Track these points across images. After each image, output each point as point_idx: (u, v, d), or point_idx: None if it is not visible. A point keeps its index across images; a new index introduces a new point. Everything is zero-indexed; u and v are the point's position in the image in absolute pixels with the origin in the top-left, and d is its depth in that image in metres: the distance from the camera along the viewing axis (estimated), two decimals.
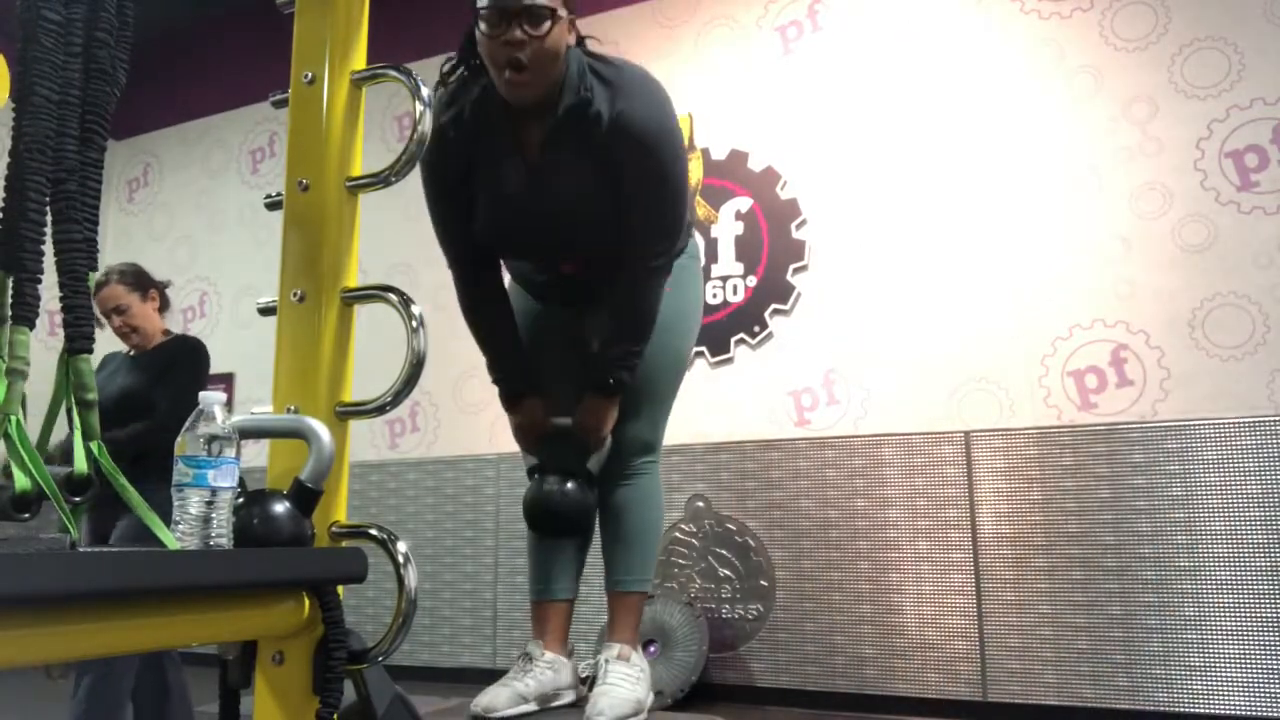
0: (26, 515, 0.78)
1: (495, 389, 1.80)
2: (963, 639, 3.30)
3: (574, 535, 1.77)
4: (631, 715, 1.59)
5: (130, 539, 2.40)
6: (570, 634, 1.83)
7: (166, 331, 2.80)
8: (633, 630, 1.75)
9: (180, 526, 0.87)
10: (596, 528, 1.83)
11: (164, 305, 2.83)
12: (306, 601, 0.99)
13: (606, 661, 1.67)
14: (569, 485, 1.65)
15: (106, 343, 5.69)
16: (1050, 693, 3.15)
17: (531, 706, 1.64)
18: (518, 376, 1.74)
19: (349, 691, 1.04)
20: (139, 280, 2.77)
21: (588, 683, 1.70)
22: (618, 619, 1.75)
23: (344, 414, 1.11)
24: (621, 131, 1.59)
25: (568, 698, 1.74)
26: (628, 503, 1.76)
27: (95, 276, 0.88)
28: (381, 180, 1.14)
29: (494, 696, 1.60)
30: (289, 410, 1.09)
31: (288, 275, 1.14)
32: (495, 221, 1.69)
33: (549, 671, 1.69)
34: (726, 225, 4.03)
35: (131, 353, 2.76)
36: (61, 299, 0.85)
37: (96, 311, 2.79)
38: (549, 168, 1.64)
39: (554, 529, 1.72)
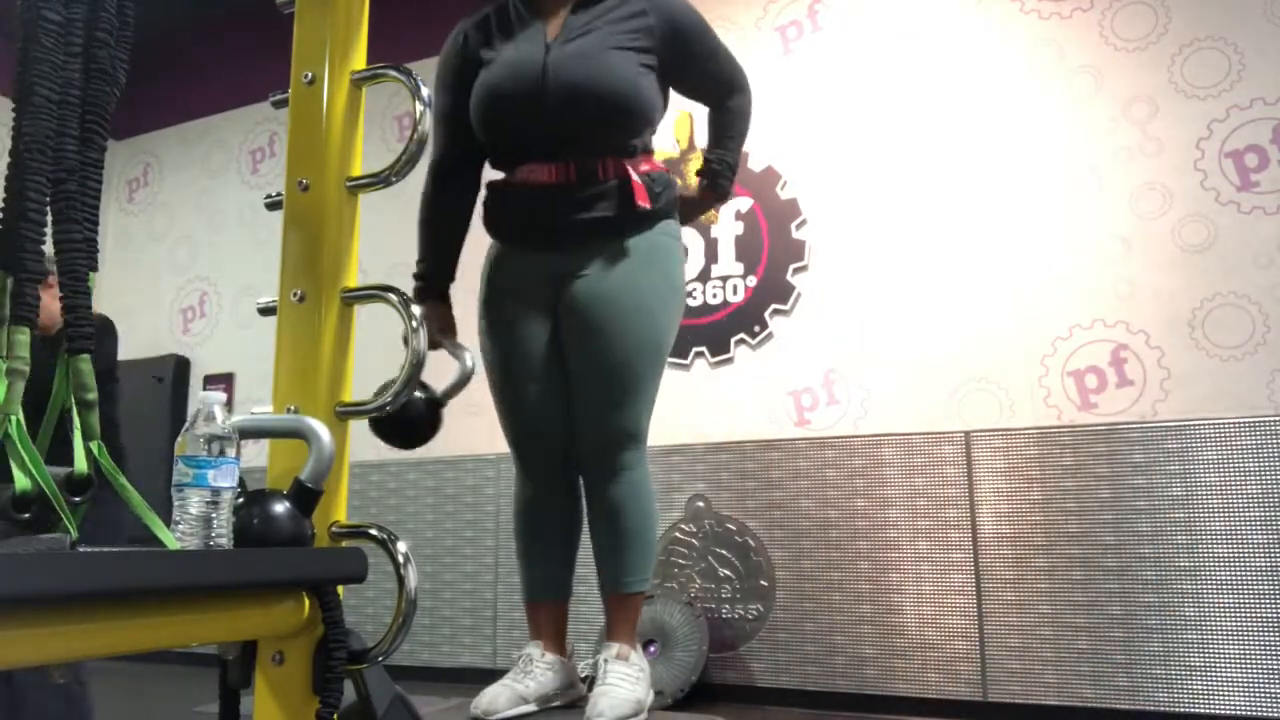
0: (26, 515, 0.78)
1: (493, 392, 1.80)
2: (963, 639, 3.30)
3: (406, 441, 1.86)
4: (632, 715, 1.59)
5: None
6: (570, 634, 1.83)
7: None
8: (631, 630, 1.75)
9: (180, 526, 0.87)
10: (585, 527, 1.82)
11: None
12: (306, 601, 0.99)
13: (605, 662, 1.67)
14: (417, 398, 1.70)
15: None
16: (1050, 693, 3.15)
17: (531, 707, 1.65)
18: (441, 280, 1.88)
19: (349, 691, 1.04)
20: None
21: (588, 683, 1.70)
22: (616, 620, 1.75)
23: (344, 414, 1.11)
24: (666, 18, 1.77)
25: (568, 698, 1.74)
26: (620, 502, 1.72)
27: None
28: (381, 180, 1.14)
29: (494, 697, 1.60)
30: (289, 410, 1.10)
31: (288, 275, 1.14)
32: (496, 90, 1.71)
33: (549, 673, 1.70)
34: (726, 225, 4.03)
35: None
36: (62, 299, 0.85)
37: None
38: (568, 40, 1.70)
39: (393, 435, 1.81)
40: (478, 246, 1.93)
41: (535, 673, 1.68)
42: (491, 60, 1.75)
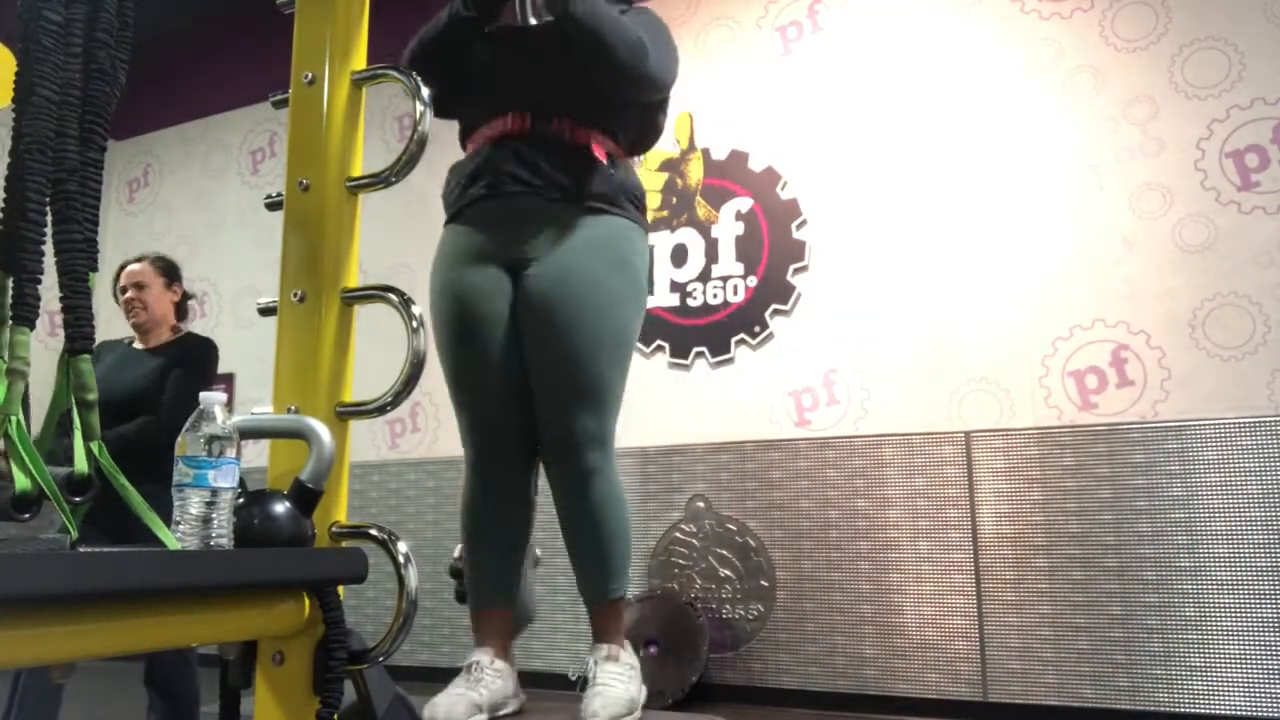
0: (26, 515, 0.78)
1: (448, 383, 1.77)
2: (963, 639, 3.30)
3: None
4: (625, 714, 1.59)
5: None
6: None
7: (175, 329, 2.81)
8: (618, 631, 1.73)
9: (180, 526, 0.87)
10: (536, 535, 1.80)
11: (182, 306, 2.86)
12: (307, 601, 0.99)
13: (596, 663, 1.66)
14: None
15: (104, 334, 5.67)
16: (1050, 693, 3.16)
17: (484, 716, 1.63)
18: None
19: (349, 691, 1.04)
20: (169, 270, 2.80)
21: (579, 684, 1.69)
22: (602, 625, 1.71)
23: (344, 414, 1.11)
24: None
25: (513, 706, 1.72)
26: (594, 509, 1.68)
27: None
28: (381, 180, 1.14)
29: (451, 706, 1.57)
30: (289, 410, 1.09)
31: (288, 275, 1.14)
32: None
33: (498, 680, 1.67)
34: (727, 225, 4.03)
35: (136, 344, 2.76)
36: (61, 299, 0.85)
37: (111, 289, 2.77)
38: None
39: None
40: (431, 232, 1.89)
41: (486, 680, 1.65)
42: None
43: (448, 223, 1.80)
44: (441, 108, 1.77)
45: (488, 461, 1.76)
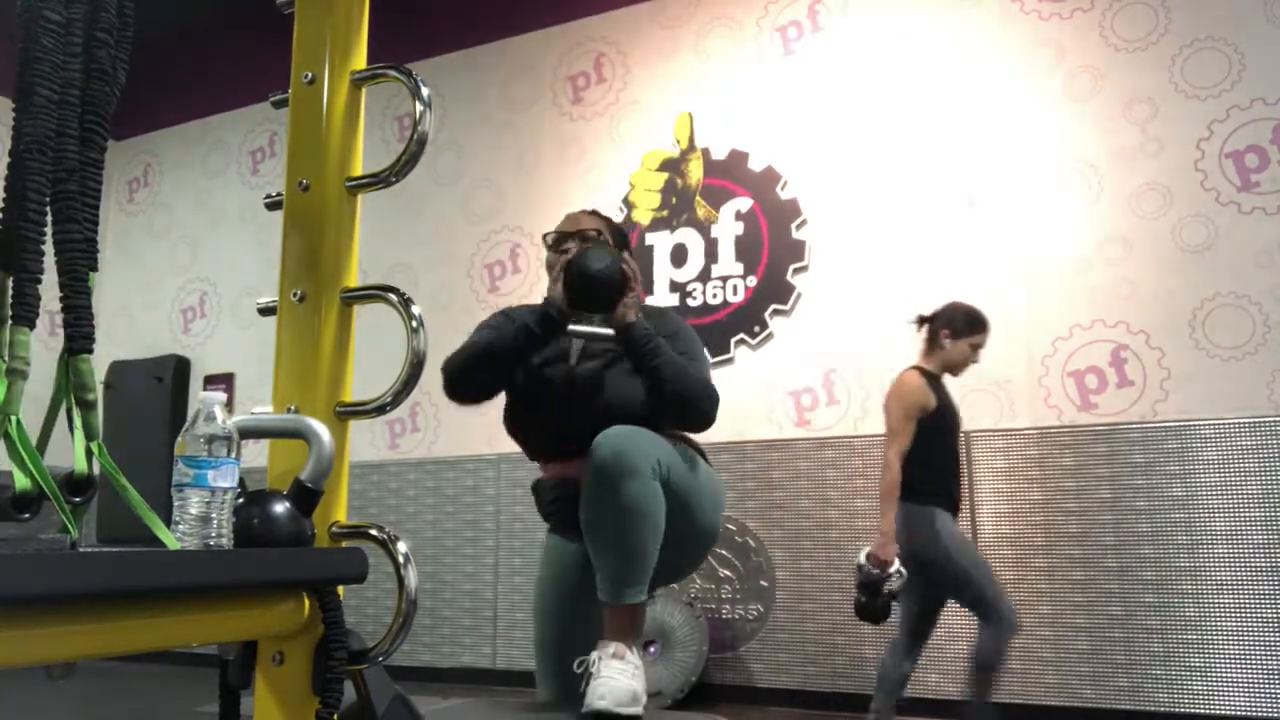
0: (26, 515, 0.78)
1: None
2: (963, 639, 3.30)
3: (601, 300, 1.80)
4: (630, 704, 1.59)
5: None
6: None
7: None
8: (627, 634, 1.73)
9: (180, 526, 0.87)
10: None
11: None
12: (306, 601, 0.99)
13: (600, 659, 1.67)
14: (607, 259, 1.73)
15: (108, 343, 5.67)
16: (1050, 693, 3.15)
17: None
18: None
19: (349, 691, 1.04)
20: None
21: (583, 679, 1.69)
22: (615, 626, 1.73)
23: (344, 414, 1.10)
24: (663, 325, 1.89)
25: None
26: (609, 513, 1.71)
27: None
28: (381, 180, 1.13)
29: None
30: (289, 410, 1.09)
31: (288, 275, 1.14)
32: (531, 378, 1.86)
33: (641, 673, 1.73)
34: (726, 225, 4.03)
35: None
36: (62, 299, 0.85)
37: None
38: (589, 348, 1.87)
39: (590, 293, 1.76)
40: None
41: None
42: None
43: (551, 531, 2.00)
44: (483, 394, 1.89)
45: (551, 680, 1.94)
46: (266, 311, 1.16)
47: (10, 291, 0.81)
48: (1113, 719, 3.05)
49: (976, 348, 2.84)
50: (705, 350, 2.02)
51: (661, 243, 4.13)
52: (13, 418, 0.79)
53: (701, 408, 1.86)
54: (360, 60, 1.19)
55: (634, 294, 1.78)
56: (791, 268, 3.88)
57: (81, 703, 3.62)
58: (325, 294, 1.11)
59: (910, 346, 3.64)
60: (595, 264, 1.72)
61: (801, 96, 4.00)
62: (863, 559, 2.63)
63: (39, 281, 0.82)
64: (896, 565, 2.58)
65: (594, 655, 1.69)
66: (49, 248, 0.84)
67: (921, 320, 2.92)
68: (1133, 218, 3.39)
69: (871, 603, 2.62)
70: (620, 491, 1.68)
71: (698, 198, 4.11)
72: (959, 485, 2.77)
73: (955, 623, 3.31)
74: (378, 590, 4.10)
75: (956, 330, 2.81)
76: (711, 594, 3.69)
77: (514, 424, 1.94)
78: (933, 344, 2.87)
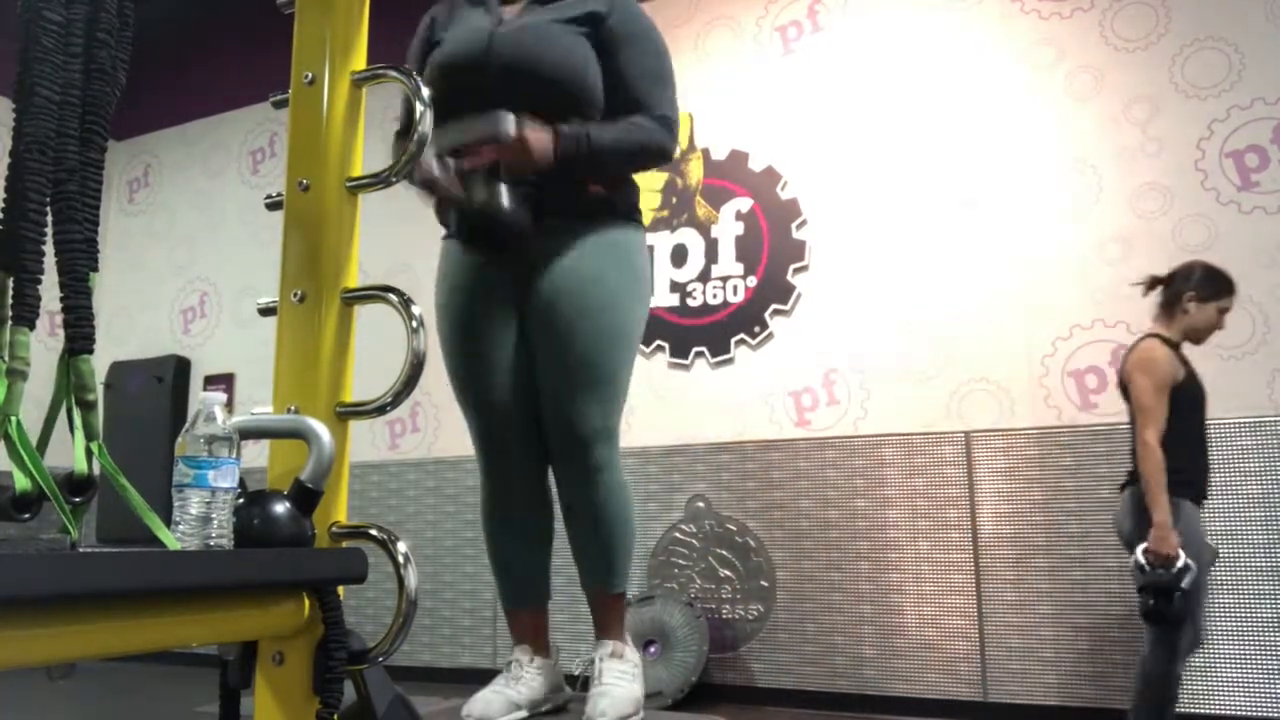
0: (26, 515, 0.78)
1: (459, 395, 1.78)
2: (963, 639, 3.30)
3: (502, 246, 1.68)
4: (632, 714, 1.59)
5: None
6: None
7: None
8: (621, 626, 1.73)
9: (180, 526, 0.87)
10: (559, 527, 1.80)
11: None
12: (306, 602, 0.99)
13: (601, 660, 1.67)
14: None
15: (107, 343, 5.67)
16: (1050, 693, 3.15)
17: (523, 713, 1.65)
18: None
19: (349, 692, 1.04)
20: None
21: (580, 681, 1.69)
22: (605, 619, 1.73)
23: (344, 414, 1.10)
24: (623, 14, 1.69)
25: (556, 701, 1.74)
26: (600, 506, 1.69)
27: None
28: (381, 180, 1.13)
29: (488, 704, 1.60)
30: (289, 410, 1.09)
31: (288, 275, 1.14)
32: (439, 64, 1.69)
33: (538, 677, 1.70)
34: (727, 225, 4.03)
35: None
36: (62, 299, 0.85)
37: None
38: (524, 17, 1.68)
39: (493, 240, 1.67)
40: (430, 242, 1.89)
41: (525, 678, 1.68)
42: (443, 39, 1.74)
43: (447, 237, 1.81)
44: None
45: (500, 461, 1.76)
46: (266, 312, 1.16)
47: (10, 291, 0.81)
48: (1113, 719, 3.05)
49: (1224, 312, 2.56)
50: (663, 54, 1.75)
51: (661, 243, 4.13)
52: (13, 418, 0.79)
53: (658, 158, 1.73)
54: (360, 60, 1.19)
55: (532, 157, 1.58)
56: (791, 268, 3.88)
57: (81, 703, 3.62)
58: (325, 294, 1.11)
59: (910, 346, 3.66)
60: (505, 208, 1.58)
61: (801, 96, 4.00)
62: (1141, 559, 2.38)
63: (39, 281, 0.82)
64: (1183, 559, 2.32)
65: (595, 656, 1.68)
66: (49, 248, 0.84)
67: (1155, 282, 2.64)
68: (1133, 218, 3.39)
69: (1166, 606, 2.34)
70: (594, 488, 1.69)
71: (698, 198, 4.11)
72: (1208, 469, 2.51)
73: (956, 623, 3.31)
74: (378, 590, 4.10)
75: (1203, 294, 2.53)
76: (711, 594, 3.69)
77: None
78: (1173, 308, 2.58)
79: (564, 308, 1.65)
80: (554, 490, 1.80)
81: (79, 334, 0.85)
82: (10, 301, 0.81)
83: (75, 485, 0.82)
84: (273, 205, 1.20)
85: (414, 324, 1.09)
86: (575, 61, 1.65)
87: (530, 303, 1.69)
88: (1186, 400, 2.48)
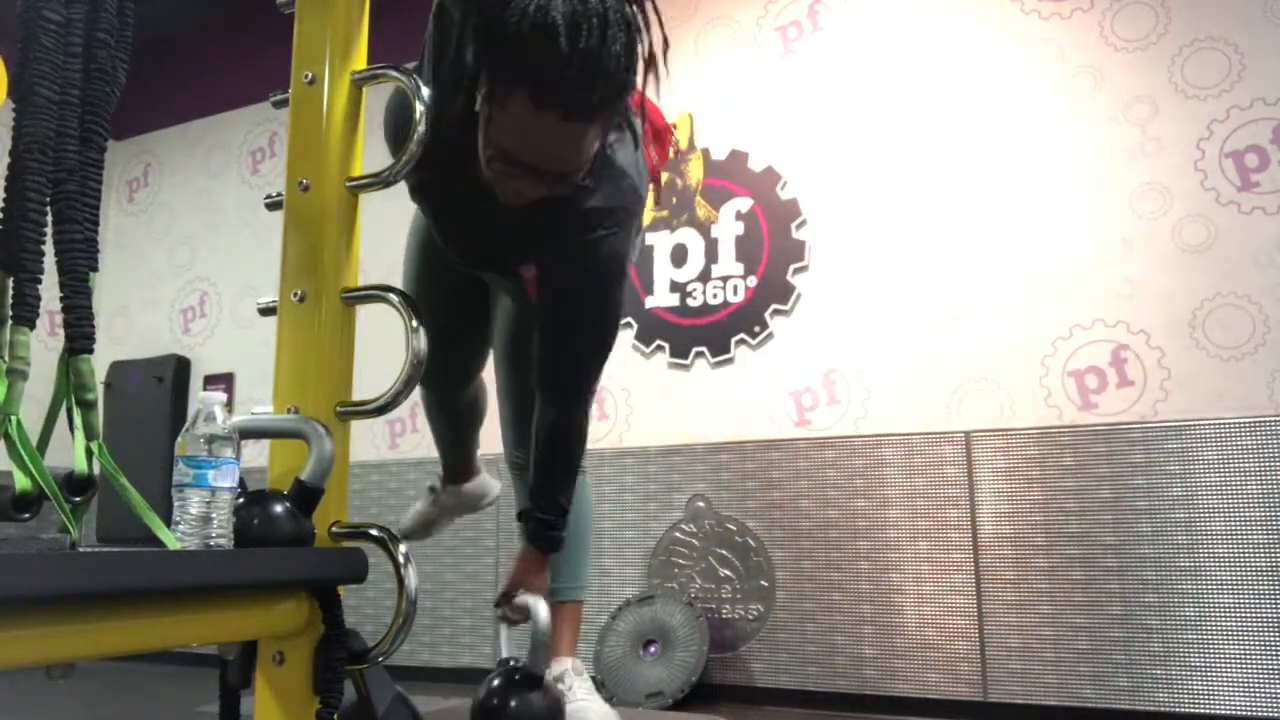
0: (26, 515, 0.78)
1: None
2: (963, 639, 3.30)
3: None
4: None
5: None
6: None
7: None
8: (575, 642, 1.71)
9: (180, 526, 0.87)
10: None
11: None
12: (307, 601, 0.99)
13: (570, 674, 1.65)
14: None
15: (107, 343, 5.68)
16: (1051, 693, 3.15)
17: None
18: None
19: (349, 691, 1.04)
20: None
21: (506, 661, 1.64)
22: (561, 632, 1.68)
23: (344, 414, 1.11)
24: (587, 242, 1.43)
25: (489, 498, 2.16)
26: (579, 504, 1.68)
27: None
28: (381, 180, 1.14)
29: (404, 519, 2.04)
30: (289, 410, 1.09)
31: (288, 275, 1.14)
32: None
33: (453, 499, 2.07)
34: (726, 225, 4.03)
35: None
36: (62, 299, 0.85)
37: None
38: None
39: None
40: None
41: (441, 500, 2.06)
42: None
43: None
44: None
45: (440, 384, 1.97)
46: (267, 311, 1.16)
47: (10, 291, 0.81)
48: (1113, 719, 3.05)
49: None
50: (613, 308, 1.54)
51: (661, 243, 4.13)
52: (13, 418, 0.79)
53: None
54: (360, 60, 1.19)
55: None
56: (791, 268, 3.88)
57: (81, 703, 3.62)
58: (325, 294, 1.11)
59: (910, 346, 3.65)
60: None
61: (801, 96, 4.00)
62: None
63: (39, 281, 0.82)
64: None
65: (563, 672, 1.66)
66: (49, 248, 0.84)
67: None
68: (1133, 218, 3.39)
69: None
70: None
71: (698, 198, 4.11)
72: None
73: (956, 623, 3.31)
74: (378, 590, 4.10)
75: None
76: (711, 594, 3.69)
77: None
78: None
79: (555, 302, 1.59)
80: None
81: (79, 334, 0.85)
82: (10, 301, 0.81)
83: (75, 485, 0.82)
84: (273, 205, 1.21)
85: (414, 324, 1.09)
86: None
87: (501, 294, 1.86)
88: None
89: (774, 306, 3.89)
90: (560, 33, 1.10)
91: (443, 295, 1.82)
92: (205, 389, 5.00)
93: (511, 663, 1.46)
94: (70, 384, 0.85)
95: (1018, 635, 3.23)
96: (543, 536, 1.55)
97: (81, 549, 0.80)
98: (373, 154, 1.15)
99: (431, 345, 1.66)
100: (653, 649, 3.47)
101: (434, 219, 1.58)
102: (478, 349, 1.91)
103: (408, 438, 4.55)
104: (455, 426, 2.04)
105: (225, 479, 0.89)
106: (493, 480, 2.25)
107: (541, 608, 1.36)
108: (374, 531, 1.07)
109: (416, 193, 1.60)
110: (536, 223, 1.39)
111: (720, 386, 3.93)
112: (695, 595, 3.68)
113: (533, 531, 1.55)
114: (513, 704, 1.38)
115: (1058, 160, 3.53)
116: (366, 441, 4.52)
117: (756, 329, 3.90)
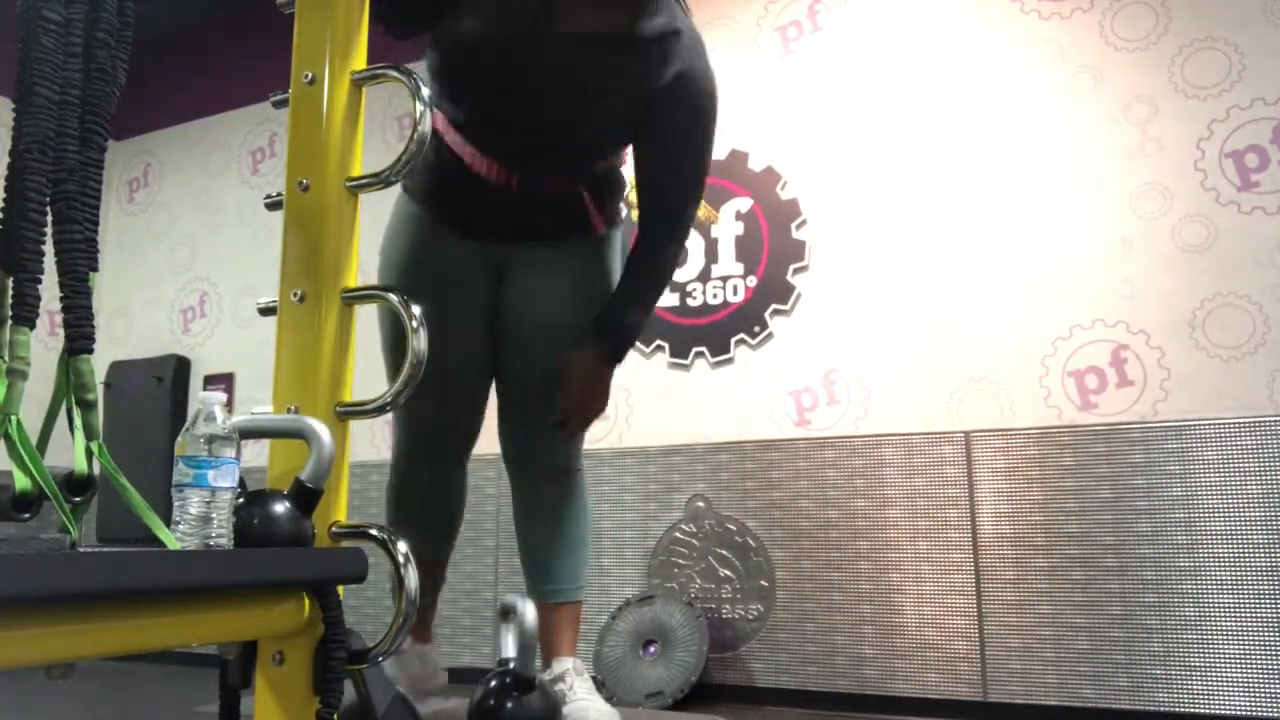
0: (26, 515, 0.78)
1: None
2: (963, 639, 3.30)
3: None
4: None
5: None
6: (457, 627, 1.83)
7: None
8: (575, 641, 1.72)
9: (180, 526, 0.87)
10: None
11: None
12: (306, 601, 0.99)
13: (569, 674, 1.65)
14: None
15: (107, 343, 5.68)
16: (1050, 693, 3.16)
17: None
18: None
19: (349, 691, 1.04)
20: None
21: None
22: (562, 632, 1.69)
23: (344, 414, 1.11)
24: (684, 87, 1.62)
25: (438, 681, 1.81)
26: (569, 508, 1.70)
27: None
28: (381, 180, 1.14)
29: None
30: (289, 410, 1.09)
31: (288, 275, 1.14)
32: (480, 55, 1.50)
33: (415, 662, 1.74)
34: (726, 225, 4.03)
35: None
36: (62, 299, 0.85)
37: None
38: (575, 39, 1.52)
39: None
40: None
41: (403, 661, 1.72)
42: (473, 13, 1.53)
43: (415, 199, 1.70)
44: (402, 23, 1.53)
45: (433, 453, 1.77)
46: (266, 311, 1.16)
47: (10, 291, 0.81)
48: (1113, 719, 3.05)
49: None
50: (709, 120, 1.68)
51: None
52: (13, 418, 0.79)
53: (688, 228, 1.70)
54: (360, 60, 1.19)
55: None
56: (791, 268, 3.88)
57: (81, 703, 3.62)
58: (325, 294, 1.11)
59: (910, 345, 3.65)
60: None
61: (801, 96, 4.00)
62: None
63: (39, 281, 0.82)
64: None
65: (563, 671, 1.66)
66: (49, 248, 0.84)
67: None
68: (1133, 218, 3.39)
69: None
70: (571, 493, 1.73)
71: None
72: None
73: (956, 623, 3.31)
74: (378, 590, 4.10)
75: None
76: (711, 594, 3.69)
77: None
78: None
79: (540, 316, 1.66)
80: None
81: (79, 334, 0.85)
82: (10, 301, 0.81)
83: (75, 485, 0.82)
84: (273, 205, 1.21)
85: (414, 324, 1.09)
86: (605, 131, 1.66)
87: (505, 301, 1.70)
88: None
89: (774, 306, 3.89)
90: None
91: (443, 329, 1.70)
92: (205, 389, 5.00)
93: (511, 664, 1.47)
94: (70, 384, 0.85)
95: (1018, 635, 3.23)
96: (620, 331, 1.62)
97: (81, 549, 0.80)
98: (373, 154, 1.15)
99: (429, 403, 1.67)
100: (653, 649, 3.47)
101: (517, 91, 1.51)
102: (480, 407, 1.78)
103: None
104: (438, 523, 1.82)
105: (225, 479, 0.89)
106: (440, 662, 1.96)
107: (529, 610, 1.36)
108: (374, 531, 1.07)
109: (498, 60, 1.51)
110: (616, 68, 1.53)
111: (720, 386, 3.93)
112: (695, 595, 3.68)
113: (612, 321, 1.61)
114: (509, 707, 1.40)
115: (1058, 160, 3.53)
116: (366, 441, 4.52)
117: (756, 329, 3.90)
